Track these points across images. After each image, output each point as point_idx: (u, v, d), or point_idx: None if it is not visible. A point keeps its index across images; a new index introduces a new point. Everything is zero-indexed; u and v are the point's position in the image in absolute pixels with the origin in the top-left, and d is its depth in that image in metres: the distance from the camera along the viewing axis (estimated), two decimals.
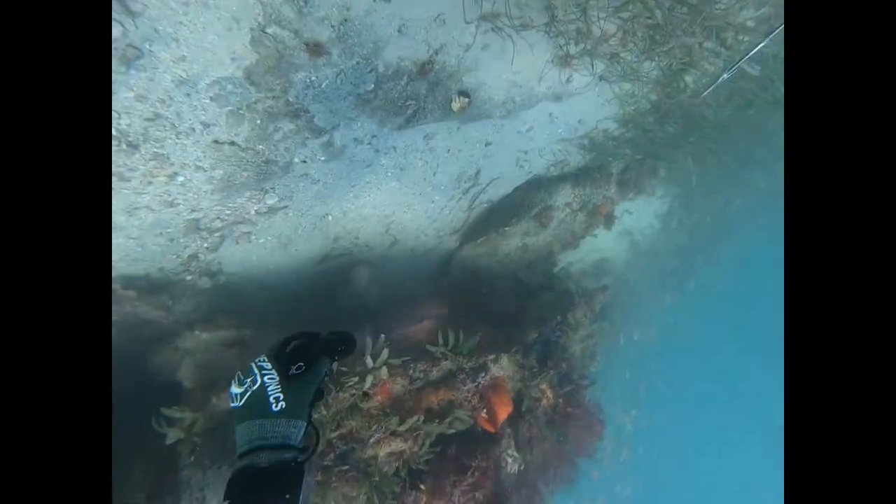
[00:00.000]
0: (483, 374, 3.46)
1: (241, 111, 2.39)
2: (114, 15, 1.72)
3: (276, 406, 1.18)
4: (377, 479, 3.02)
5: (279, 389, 1.20)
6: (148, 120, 2.20)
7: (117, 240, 2.66)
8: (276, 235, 3.52)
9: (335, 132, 2.86)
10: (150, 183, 2.49)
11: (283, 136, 2.66)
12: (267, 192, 3.06)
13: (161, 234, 2.86)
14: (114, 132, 2.14)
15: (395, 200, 3.97)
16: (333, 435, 2.99)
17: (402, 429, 3.05)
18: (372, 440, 3.03)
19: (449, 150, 3.83)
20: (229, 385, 1.24)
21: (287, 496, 1.09)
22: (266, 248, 3.57)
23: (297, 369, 1.25)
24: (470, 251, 5.02)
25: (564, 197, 4.81)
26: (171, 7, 1.82)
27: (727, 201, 7.09)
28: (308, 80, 2.39)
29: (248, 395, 1.20)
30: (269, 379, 1.22)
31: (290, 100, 2.44)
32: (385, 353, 3.11)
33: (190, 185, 2.63)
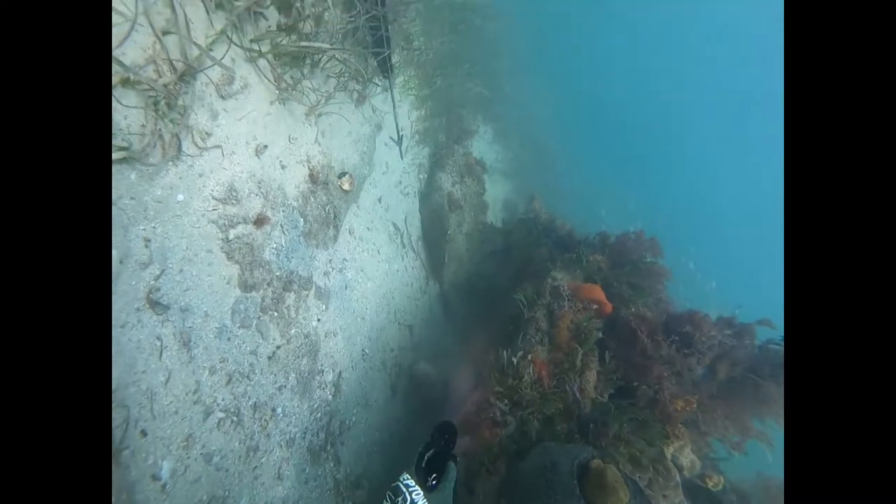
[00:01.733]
0: (564, 289, 3.87)
1: (261, 318, 2.58)
2: (161, 317, 1.90)
3: None
4: (614, 409, 3.21)
5: (426, 502, 1.52)
6: (227, 385, 2.29)
7: None
8: (354, 403, 3.58)
9: (314, 276, 3.13)
10: (268, 436, 2.51)
11: (295, 307, 2.87)
12: (322, 371, 3.18)
13: (306, 480, 2.81)
14: (220, 414, 2.21)
15: (383, 293, 4.26)
16: (558, 420, 3.10)
17: (579, 365, 3.31)
18: (578, 393, 3.22)
19: (368, 228, 4.28)
20: None
21: None
22: (358, 421, 3.59)
23: (433, 480, 1.60)
24: (448, 277, 5.43)
25: (446, 179, 5.52)
26: (175, 280, 2.04)
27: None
28: (274, 249, 2.68)
29: None
30: (416, 495, 1.52)
31: (278, 273, 2.70)
32: (519, 353, 3.34)
33: (287, 409, 2.69)
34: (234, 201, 2.34)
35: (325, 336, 3.28)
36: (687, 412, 3.38)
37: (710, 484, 3.28)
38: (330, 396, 3.24)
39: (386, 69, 3.75)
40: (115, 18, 1.61)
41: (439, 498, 1.56)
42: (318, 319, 3.18)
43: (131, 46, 1.67)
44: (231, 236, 2.36)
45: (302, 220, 3.02)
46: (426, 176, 5.55)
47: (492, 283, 5.38)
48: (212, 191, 2.22)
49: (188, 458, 2.01)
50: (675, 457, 3.17)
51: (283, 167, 2.84)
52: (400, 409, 4.12)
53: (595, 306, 3.89)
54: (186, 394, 2.06)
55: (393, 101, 3.99)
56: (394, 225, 4.75)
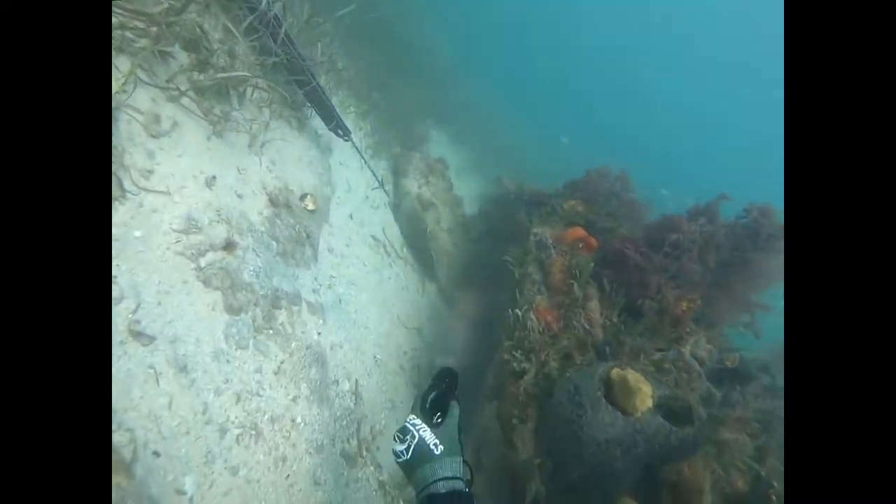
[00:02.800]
0: (546, 239, 3.92)
1: (257, 337, 2.64)
2: (148, 347, 1.97)
3: (437, 450, 1.56)
4: (624, 327, 3.23)
5: (434, 437, 1.59)
6: (238, 403, 2.33)
7: None
8: (380, 407, 3.58)
9: (302, 293, 3.20)
10: (293, 445, 2.52)
11: (290, 322, 2.92)
12: (337, 381, 3.20)
13: (347, 483, 2.80)
14: (237, 431, 2.24)
15: (380, 301, 4.32)
16: (575, 354, 3.10)
17: (579, 295, 3.34)
18: (586, 324, 3.24)
19: (347, 244, 4.37)
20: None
21: None
22: (388, 424, 3.58)
23: (437, 419, 1.65)
24: (443, 274, 5.48)
25: (411, 183, 5.65)
26: (156, 312, 2.11)
27: None
28: (252, 272, 2.76)
29: (412, 448, 1.58)
30: (423, 432, 1.60)
31: (262, 293, 2.77)
32: (524, 307, 3.37)
33: (308, 418, 2.71)
34: (195, 230, 2.43)
35: (331, 349, 3.31)
36: (693, 310, 3.39)
37: (728, 363, 3.33)
38: (352, 405, 3.25)
39: (341, 129, 4.04)
40: None
41: (445, 432, 1.62)
42: (319, 333, 3.23)
43: None
44: (203, 264, 2.44)
45: (274, 242, 3.11)
46: (391, 187, 5.69)
47: (485, 267, 5.43)
48: (170, 224, 2.32)
49: (212, 472, 2.03)
50: (693, 353, 3.17)
51: (239, 196, 2.95)
52: None
53: (581, 244, 3.94)
54: (195, 415, 2.09)
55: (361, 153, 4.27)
56: (373, 237, 4.84)
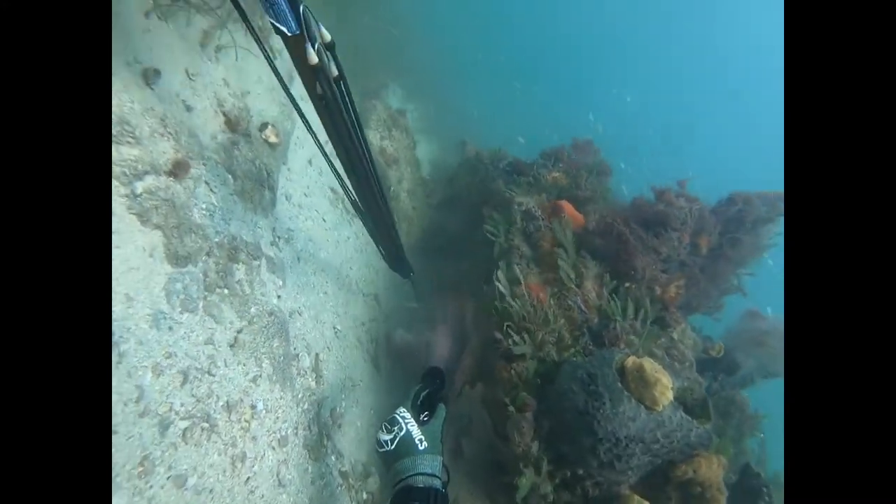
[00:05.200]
0: (535, 210, 3.58)
1: (208, 297, 1.99)
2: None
3: (421, 446, 1.62)
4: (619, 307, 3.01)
5: (420, 434, 1.65)
6: (184, 385, 1.71)
7: None
8: (340, 387, 3.07)
9: (262, 245, 2.55)
10: (254, 438, 1.96)
11: (248, 281, 2.29)
12: (298, 355, 2.63)
13: (312, 481, 2.29)
14: (183, 424, 1.63)
15: (339, 263, 3.74)
16: (569, 337, 2.81)
17: (581, 286, 3.04)
18: (582, 305, 2.97)
19: (305, 194, 3.71)
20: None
21: None
22: (349, 405, 3.09)
23: (425, 417, 1.74)
24: (402, 241, 4.96)
25: (374, 135, 5.02)
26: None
27: None
28: (204, 210, 2.08)
29: (397, 439, 1.64)
30: (411, 427, 1.66)
31: (217, 240, 2.10)
32: (518, 284, 2.98)
33: (270, 403, 2.14)
34: (130, 139, 1.71)
35: (291, 316, 2.71)
36: (681, 295, 3.27)
37: (714, 353, 3.31)
38: (313, 384, 2.71)
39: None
40: None
41: (430, 431, 1.68)
42: (279, 296, 2.61)
43: None
44: (139, 190, 1.74)
45: (230, 176, 2.41)
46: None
47: (449, 235, 5.01)
48: None
49: (149, 486, 1.44)
50: (680, 341, 3.06)
51: (188, 108, 2.21)
52: (387, 384, 3.65)
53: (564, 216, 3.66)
54: (125, 405, 1.46)
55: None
56: (331, 189, 4.17)
